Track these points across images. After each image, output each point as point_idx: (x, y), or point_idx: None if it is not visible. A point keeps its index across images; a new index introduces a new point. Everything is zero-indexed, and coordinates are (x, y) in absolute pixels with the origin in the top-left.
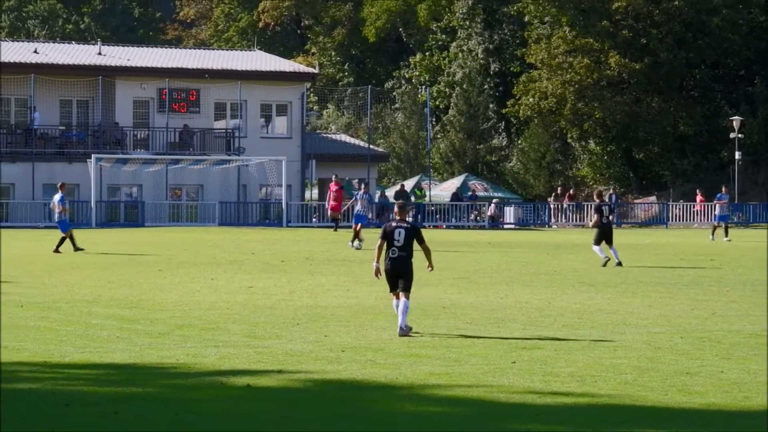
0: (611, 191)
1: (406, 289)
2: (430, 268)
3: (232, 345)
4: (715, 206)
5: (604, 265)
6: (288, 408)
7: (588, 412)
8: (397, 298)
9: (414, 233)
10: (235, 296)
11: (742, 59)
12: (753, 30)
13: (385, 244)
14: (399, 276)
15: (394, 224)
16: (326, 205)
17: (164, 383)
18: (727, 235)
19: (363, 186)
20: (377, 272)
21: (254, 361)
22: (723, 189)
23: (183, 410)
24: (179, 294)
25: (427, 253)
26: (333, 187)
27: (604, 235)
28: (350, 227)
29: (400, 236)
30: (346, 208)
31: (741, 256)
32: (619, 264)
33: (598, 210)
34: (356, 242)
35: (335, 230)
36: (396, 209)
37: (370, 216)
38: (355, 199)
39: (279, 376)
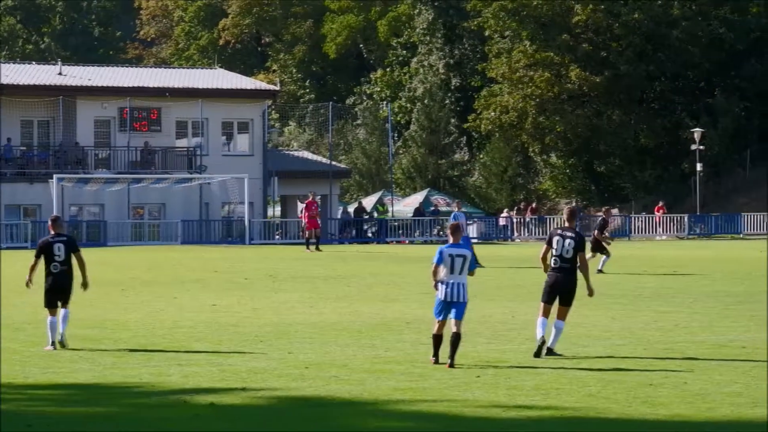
0: (573, 204)
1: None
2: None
3: (195, 363)
4: None
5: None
6: (252, 426)
7: (553, 424)
8: None
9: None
10: (198, 314)
11: (702, 71)
12: (712, 42)
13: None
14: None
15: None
16: (302, 223)
17: (128, 402)
18: None
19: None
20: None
21: (218, 379)
22: None
23: (147, 429)
24: (143, 313)
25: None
26: (308, 204)
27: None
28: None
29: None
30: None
31: (703, 267)
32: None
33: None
34: None
35: (308, 248)
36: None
37: None
38: None
39: (243, 394)
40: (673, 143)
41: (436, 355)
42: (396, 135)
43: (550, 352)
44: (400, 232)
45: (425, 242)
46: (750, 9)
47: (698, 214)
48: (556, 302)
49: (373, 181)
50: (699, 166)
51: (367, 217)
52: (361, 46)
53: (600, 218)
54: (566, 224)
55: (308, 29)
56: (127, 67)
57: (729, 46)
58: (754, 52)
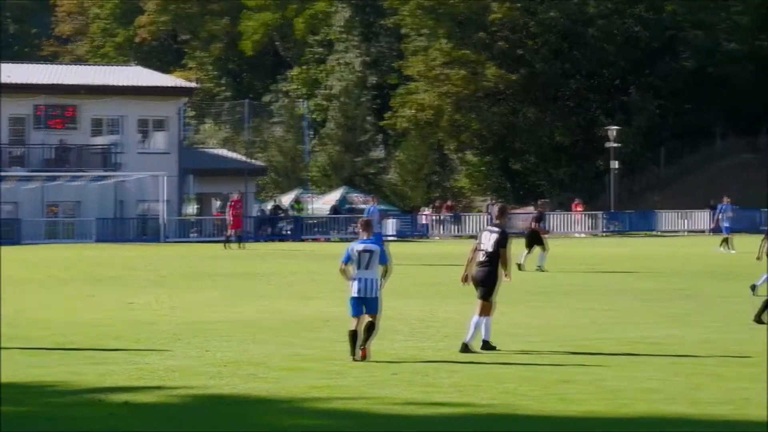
0: (489, 201)
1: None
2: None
3: (112, 362)
4: (718, 218)
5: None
6: (168, 424)
7: (468, 422)
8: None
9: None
10: (115, 313)
11: (617, 69)
12: (628, 40)
13: None
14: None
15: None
16: (228, 221)
17: (43, 401)
18: (728, 245)
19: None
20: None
21: (135, 378)
22: (725, 200)
23: (62, 429)
24: (59, 311)
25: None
26: (234, 202)
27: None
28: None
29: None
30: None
31: (618, 264)
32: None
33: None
34: None
35: (226, 246)
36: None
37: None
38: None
39: (159, 392)
40: (588, 141)
41: (353, 353)
42: (312, 133)
43: (467, 348)
44: (317, 229)
45: (342, 240)
46: (665, 7)
47: (613, 211)
48: None
49: (289, 178)
50: (614, 164)
51: (283, 215)
52: (277, 43)
53: (537, 211)
54: (496, 221)
55: (225, 27)
56: (42, 64)
57: (644, 45)
58: (669, 50)
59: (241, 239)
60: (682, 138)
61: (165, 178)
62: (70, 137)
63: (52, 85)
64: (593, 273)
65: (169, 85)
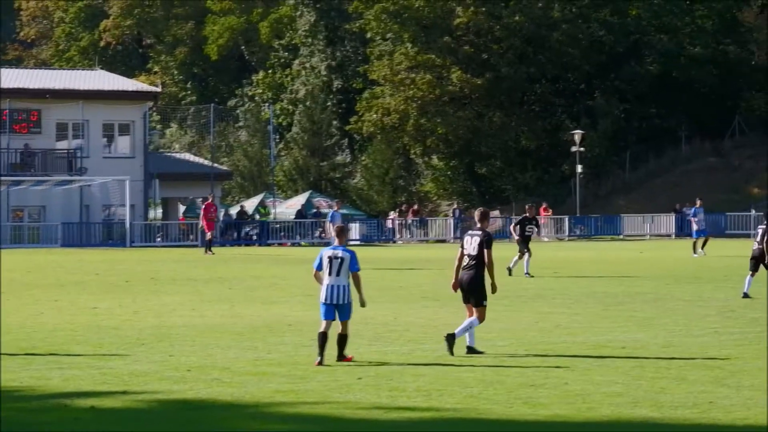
0: (455, 206)
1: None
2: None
3: (76, 366)
4: (691, 223)
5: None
6: (133, 429)
7: (433, 426)
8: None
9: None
10: (79, 317)
11: (582, 73)
12: (592, 44)
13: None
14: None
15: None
16: (200, 225)
17: (8, 407)
18: (703, 247)
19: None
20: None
21: (99, 383)
22: (697, 202)
23: None
24: (22, 316)
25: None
26: (207, 206)
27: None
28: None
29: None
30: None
31: (583, 268)
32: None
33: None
34: None
35: (206, 252)
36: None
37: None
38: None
39: (124, 397)
40: (554, 145)
41: (321, 354)
42: (278, 137)
43: (470, 350)
44: (282, 234)
45: (311, 244)
46: (629, 11)
47: (578, 215)
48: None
49: (254, 183)
50: (579, 168)
51: (248, 219)
52: (242, 48)
53: (523, 216)
54: (477, 225)
55: (190, 31)
56: (6, 68)
57: (609, 49)
58: (634, 54)
59: (209, 245)
60: (647, 142)
61: (129, 182)
62: (34, 141)
63: (17, 89)
64: (558, 277)
65: (134, 89)
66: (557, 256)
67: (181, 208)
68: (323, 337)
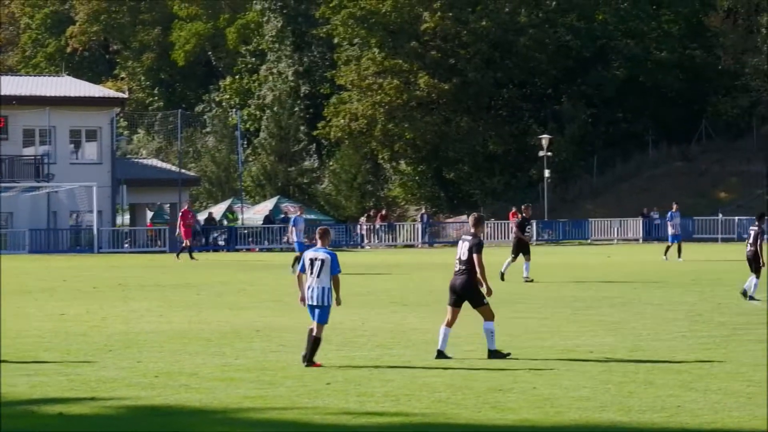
0: (423, 211)
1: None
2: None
3: (43, 373)
4: (666, 226)
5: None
6: None
7: (402, 430)
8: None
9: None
10: (46, 324)
11: (549, 78)
12: (559, 49)
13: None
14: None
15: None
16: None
17: None
18: (680, 255)
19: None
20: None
21: (67, 389)
22: (674, 206)
23: None
24: None
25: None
26: (184, 212)
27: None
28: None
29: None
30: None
31: (551, 273)
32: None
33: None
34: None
35: (191, 258)
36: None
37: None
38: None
39: (92, 403)
40: (521, 150)
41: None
42: (245, 142)
43: (495, 354)
44: (250, 239)
45: (281, 250)
46: (596, 16)
47: (546, 220)
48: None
49: (222, 188)
50: (546, 173)
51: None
52: (209, 53)
53: (521, 217)
54: (471, 230)
55: (156, 37)
56: None
57: (575, 53)
58: (600, 59)
59: (181, 251)
60: (615, 146)
61: (96, 188)
62: (1, 148)
63: None
64: (526, 282)
65: (101, 95)
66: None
67: (149, 214)
68: (314, 339)
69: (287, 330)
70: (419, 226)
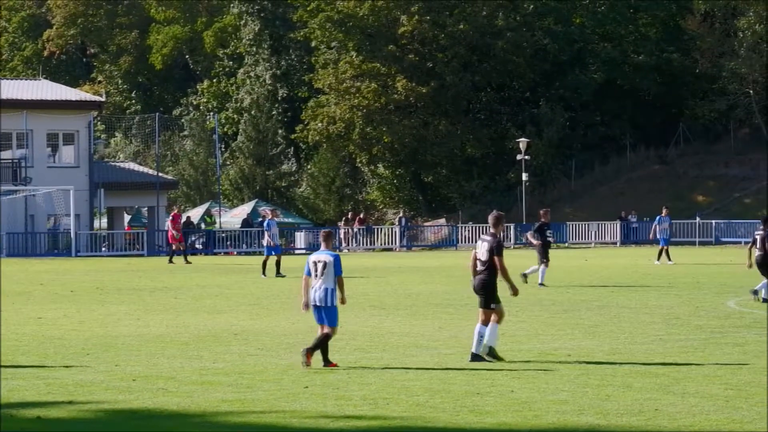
0: (401, 214)
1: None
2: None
3: (21, 377)
4: (655, 229)
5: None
6: None
7: None
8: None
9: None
10: (23, 327)
11: (527, 81)
12: (537, 53)
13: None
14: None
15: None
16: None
17: None
18: (669, 258)
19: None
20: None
21: (44, 393)
22: (664, 211)
23: None
24: None
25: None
26: (175, 216)
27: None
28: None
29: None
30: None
31: (530, 276)
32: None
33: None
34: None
35: (186, 261)
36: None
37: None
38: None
39: (70, 407)
40: (500, 153)
41: (311, 350)
42: (223, 146)
43: (477, 358)
44: (228, 243)
45: (259, 253)
46: (573, 20)
47: (524, 223)
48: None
49: (200, 192)
50: (525, 176)
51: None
52: (187, 56)
53: (540, 222)
54: (491, 230)
55: (134, 40)
56: None
57: (553, 57)
58: (578, 62)
59: (173, 254)
60: (593, 150)
61: (74, 192)
62: None
63: None
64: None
65: (78, 98)
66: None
67: (127, 218)
68: (324, 336)
69: (265, 333)
70: (397, 229)
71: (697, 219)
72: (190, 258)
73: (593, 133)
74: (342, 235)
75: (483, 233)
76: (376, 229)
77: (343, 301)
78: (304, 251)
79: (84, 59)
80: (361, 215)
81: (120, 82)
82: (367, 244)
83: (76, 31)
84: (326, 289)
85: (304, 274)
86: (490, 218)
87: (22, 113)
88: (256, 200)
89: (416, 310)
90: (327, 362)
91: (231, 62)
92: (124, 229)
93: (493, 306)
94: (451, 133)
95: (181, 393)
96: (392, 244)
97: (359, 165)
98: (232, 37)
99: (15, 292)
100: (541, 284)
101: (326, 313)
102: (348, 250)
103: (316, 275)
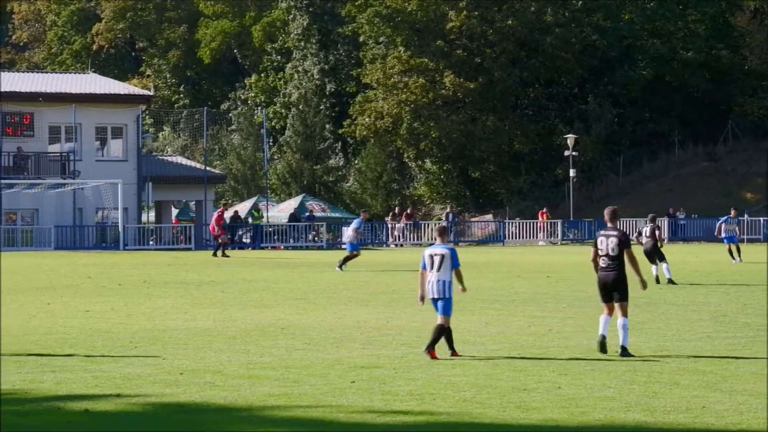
0: (448, 209)
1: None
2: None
3: (69, 370)
4: (721, 228)
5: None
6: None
7: (427, 430)
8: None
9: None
10: (71, 321)
11: (575, 77)
12: (585, 48)
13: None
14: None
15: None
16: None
17: (1, 410)
18: (737, 255)
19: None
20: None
21: (92, 386)
22: (732, 212)
23: None
24: (15, 319)
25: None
26: (221, 212)
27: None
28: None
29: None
30: None
31: (576, 272)
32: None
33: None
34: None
35: (223, 255)
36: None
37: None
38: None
39: (117, 400)
40: (547, 149)
41: (445, 344)
42: (271, 140)
43: (624, 351)
44: (275, 237)
45: (307, 248)
46: (622, 16)
47: (572, 219)
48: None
49: (248, 186)
50: (572, 172)
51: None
52: (235, 51)
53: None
54: (609, 224)
55: (182, 34)
56: None
57: (602, 53)
58: (626, 58)
59: (218, 248)
60: (641, 146)
61: (122, 185)
62: (27, 145)
63: (9, 92)
64: (551, 281)
65: (127, 92)
66: (550, 259)
67: (174, 212)
68: (439, 329)
69: (312, 328)
70: (444, 224)
71: (746, 216)
72: (228, 252)
73: (641, 130)
74: (389, 230)
75: (600, 229)
76: (423, 225)
77: (463, 290)
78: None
79: (133, 53)
80: (408, 210)
81: (168, 76)
82: (414, 240)
83: (125, 25)
84: (444, 281)
85: (420, 267)
86: (608, 213)
87: (70, 107)
88: (303, 195)
89: (463, 306)
90: (453, 351)
91: (279, 57)
92: (172, 223)
93: (627, 299)
94: (499, 128)
95: (228, 387)
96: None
97: (407, 160)
98: (281, 31)
99: (63, 285)
100: (671, 281)
101: (443, 304)
102: (395, 245)
103: (433, 268)
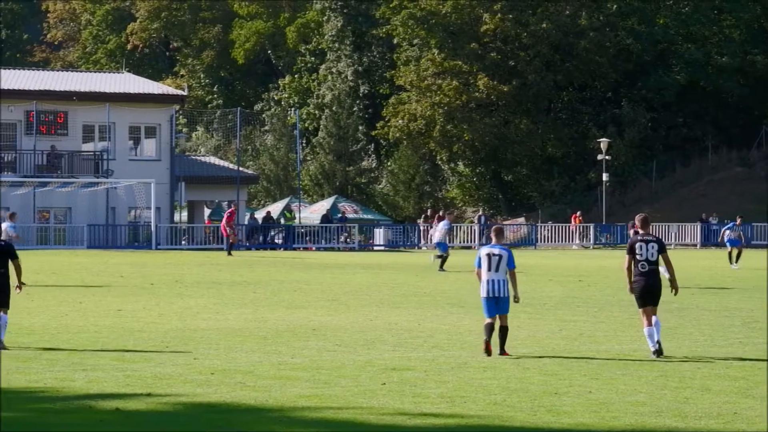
0: (480, 212)
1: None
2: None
3: (100, 368)
4: (724, 234)
5: None
6: (158, 431)
7: None
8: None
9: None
10: (103, 319)
11: (609, 81)
12: (620, 53)
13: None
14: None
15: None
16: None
17: (32, 407)
18: (735, 260)
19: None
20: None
21: (123, 385)
22: (738, 220)
23: None
24: (47, 317)
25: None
26: (233, 213)
27: None
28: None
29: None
30: None
31: (607, 276)
32: None
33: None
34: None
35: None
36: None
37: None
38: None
39: (148, 400)
40: (580, 153)
41: (488, 339)
42: (304, 141)
43: (660, 345)
44: (307, 238)
45: (339, 249)
46: (657, 20)
47: (605, 223)
48: None
49: (280, 187)
50: (605, 176)
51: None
52: (269, 52)
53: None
54: (641, 231)
55: (217, 34)
56: (34, 70)
57: (636, 57)
58: (661, 63)
59: (231, 247)
60: (674, 151)
61: (155, 185)
62: (61, 143)
63: (44, 91)
64: (583, 285)
65: (160, 92)
66: (582, 263)
67: (207, 212)
68: (490, 327)
69: (343, 329)
70: (477, 227)
71: None
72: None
73: (675, 134)
74: (421, 233)
75: (636, 236)
76: (455, 227)
77: (516, 299)
78: (383, 248)
79: (167, 53)
80: (441, 213)
81: (202, 76)
82: (447, 242)
83: (160, 25)
84: (500, 281)
85: (476, 266)
86: (639, 220)
87: (104, 106)
88: (335, 196)
89: None
90: (503, 351)
91: (313, 58)
92: (204, 223)
93: (657, 303)
94: (532, 132)
95: (259, 387)
96: (471, 241)
97: (439, 162)
98: (315, 32)
99: (95, 284)
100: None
101: (500, 304)
102: (427, 247)
103: (489, 268)
